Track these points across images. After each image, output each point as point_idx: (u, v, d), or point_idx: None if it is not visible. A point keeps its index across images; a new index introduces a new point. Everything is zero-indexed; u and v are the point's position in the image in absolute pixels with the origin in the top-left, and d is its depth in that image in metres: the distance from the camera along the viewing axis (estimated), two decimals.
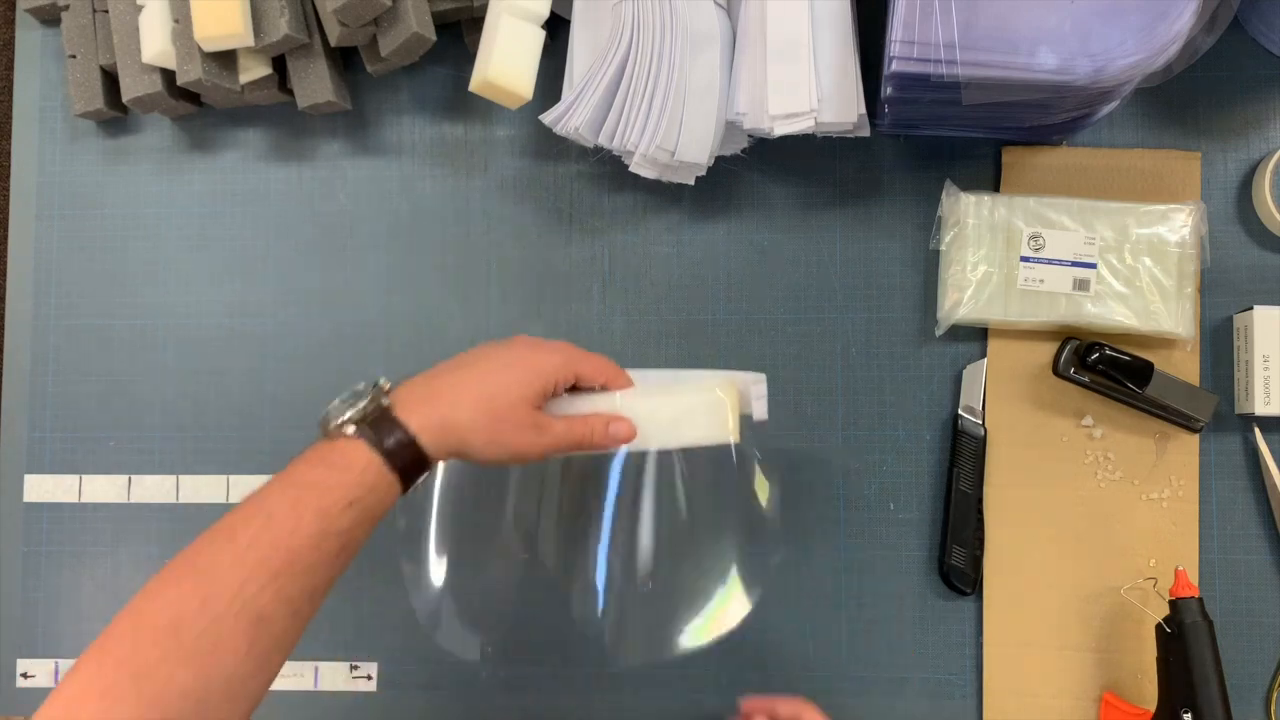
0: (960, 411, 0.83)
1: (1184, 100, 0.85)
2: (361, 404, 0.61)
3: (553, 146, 0.88)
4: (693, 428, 0.70)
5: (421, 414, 0.61)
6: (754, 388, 0.73)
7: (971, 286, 0.82)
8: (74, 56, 0.87)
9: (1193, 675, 0.74)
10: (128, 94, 0.85)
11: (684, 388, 0.71)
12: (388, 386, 0.63)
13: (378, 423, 0.60)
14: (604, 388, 0.70)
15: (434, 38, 0.81)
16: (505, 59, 0.78)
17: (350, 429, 0.60)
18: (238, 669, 0.54)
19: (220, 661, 0.54)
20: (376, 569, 0.87)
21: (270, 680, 0.57)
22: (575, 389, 0.69)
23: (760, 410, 0.73)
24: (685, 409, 0.70)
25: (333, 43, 0.82)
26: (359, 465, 0.59)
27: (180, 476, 0.88)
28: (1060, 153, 0.85)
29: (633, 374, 0.71)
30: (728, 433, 0.71)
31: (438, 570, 0.74)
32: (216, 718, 0.54)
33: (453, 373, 0.64)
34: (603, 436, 0.67)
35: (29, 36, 0.92)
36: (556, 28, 0.84)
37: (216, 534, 0.57)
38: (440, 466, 0.70)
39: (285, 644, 0.57)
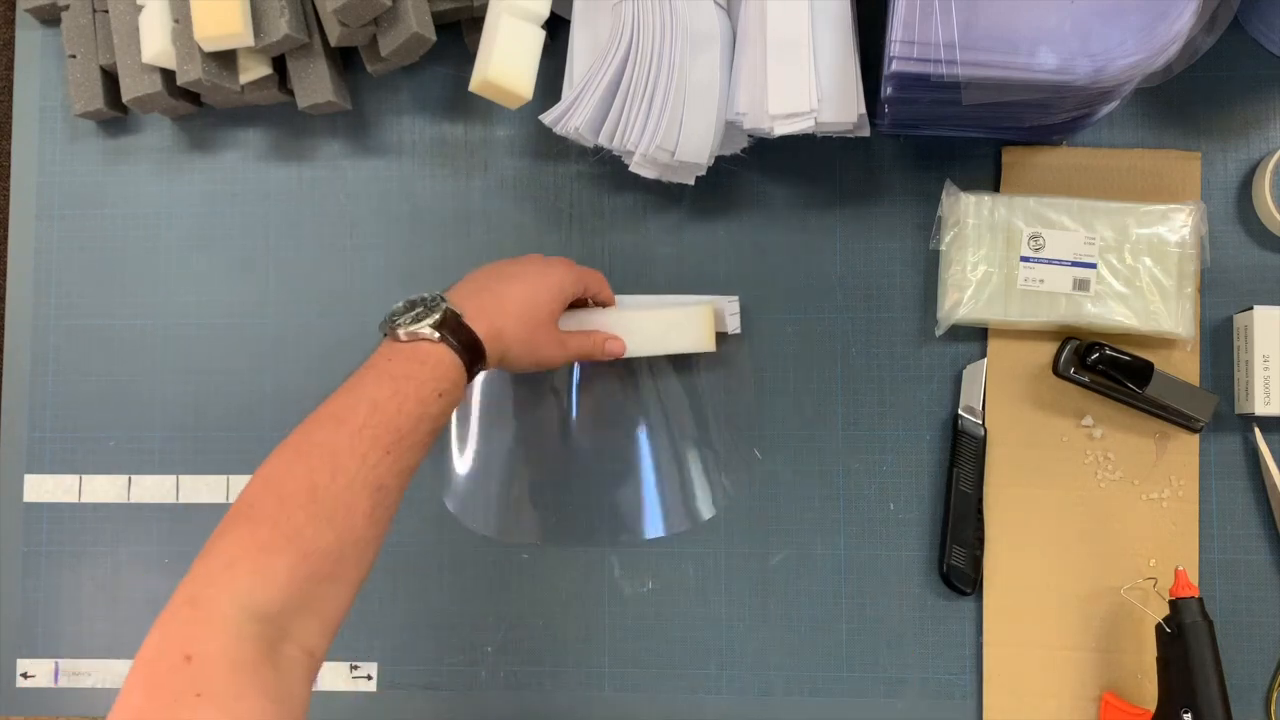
0: (960, 411, 0.83)
1: (1184, 100, 0.85)
2: (438, 313, 0.68)
3: (553, 146, 0.88)
4: (678, 338, 0.82)
5: (484, 323, 0.71)
6: (728, 306, 0.84)
7: (971, 286, 0.82)
8: (74, 56, 0.87)
9: (1193, 675, 0.74)
10: (128, 94, 0.85)
11: (669, 306, 0.84)
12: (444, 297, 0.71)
13: (455, 329, 0.69)
14: (594, 301, 0.82)
15: (434, 38, 0.81)
16: (505, 59, 0.78)
17: (431, 332, 0.68)
18: (364, 531, 0.62)
19: (352, 524, 0.61)
20: (376, 569, 0.87)
21: (380, 545, 0.64)
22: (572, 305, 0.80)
23: (734, 325, 0.85)
24: (671, 323, 0.82)
25: (333, 43, 0.82)
26: (446, 362, 0.68)
27: (180, 476, 0.88)
28: (1060, 153, 0.85)
29: (622, 299, 0.84)
30: (707, 343, 0.82)
31: (466, 467, 0.88)
32: (346, 575, 0.61)
33: (497, 287, 0.74)
34: (602, 351, 0.80)
35: (29, 36, 0.92)
36: (556, 28, 0.84)
37: (324, 420, 0.65)
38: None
39: (392, 513, 0.65)
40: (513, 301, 0.73)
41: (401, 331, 0.68)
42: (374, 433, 0.63)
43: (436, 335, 0.68)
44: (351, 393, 0.65)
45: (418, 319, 0.68)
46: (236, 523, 0.60)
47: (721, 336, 0.84)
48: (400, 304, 0.70)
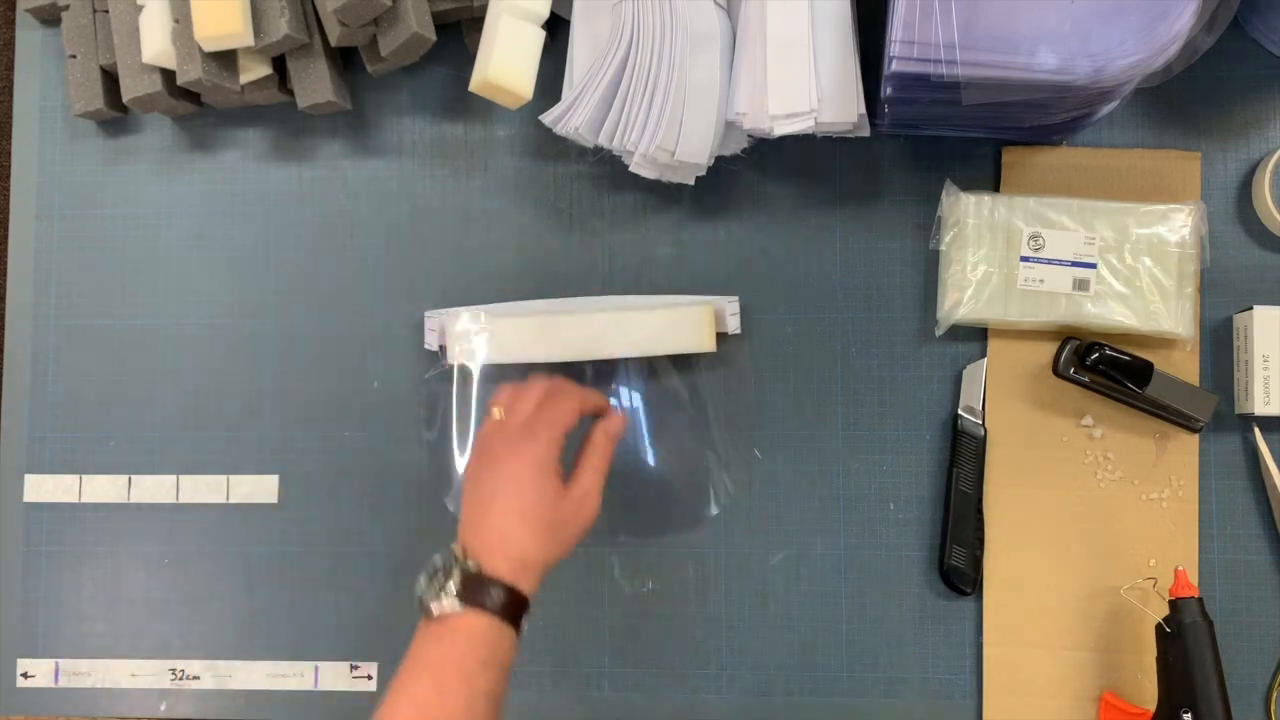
0: (960, 411, 0.83)
1: (1184, 100, 0.85)
2: (454, 578, 0.64)
3: (553, 146, 0.88)
4: (678, 338, 0.83)
5: (506, 564, 0.65)
6: (728, 306, 0.85)
7: (971, 286, 0.82)
8: (74, 56, 0.87)
9: (1193, 675, 0.74)
10: (128, 94, 0.85)
11: (669, 305, 0.84)
12: (462, 551, 0.66)
13: (478, 589, 0.64)
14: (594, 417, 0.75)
15: (434, 38, 0.81)
16: (505, 59, 0.78)
17: (457, 606, 0.63)
18: None
19: None
20: (376, 570, 0.87)
21: None
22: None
23: (734, 325, 0.85)
24: (671, 323, 0.83)
25: (333, 43, 0.82)
26: (479, 631, 0.63)
27: (180, 476, 0.88)
28: (1060, 153, 0.85)
29: (618, 300, 0.85)
30: (707, 343, 0.83)
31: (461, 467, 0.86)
32: None
33: (495, 513, 0.67)
34: (610, 443, 0.73)
35: (29, 36, 0.92)
36: (556, 28, 0.84)
37: None
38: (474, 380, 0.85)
39: None
40: (512, 517, 0.67)
41: (433, 608, 0.64)
42: None
43: (461, 607, 0.63)
44: (393, 695, 0.62)
45: (440, 591, 0.64)
46: None
47: (721, 336, 0.84)
48: (422, 576, 0.65)
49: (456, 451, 0.86)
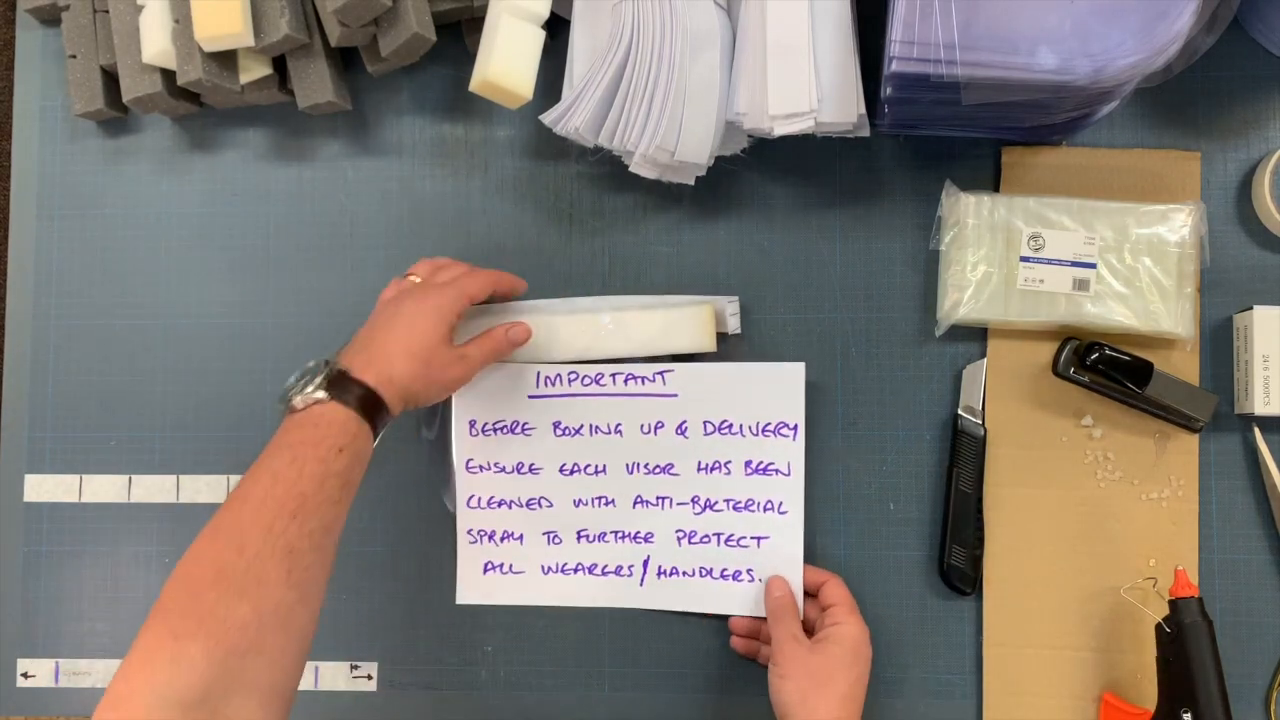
0: (960, 411, 0.83)
1: (1184, 100, 0.85)
2: (321, 375, 0.70)
3: (553, 146, 0.88)
4: (678, 338, 0.83)
5: (372, 373, 0.71)
6: (728, 306, 0.85)
7: (971, 286, 0.82)
8: (74, 56, 0.87)
9: (1193, 675, 0.74)
10: (128, 94, 0.85)
11: (669, 305, 0.84)
12: (335, 358, 0.72)
13: (343, 386, 0.70)
14: (505, 296, 0.83)
15: (434, 38, 0.81)
16: (505, 59, 0.78)
17: (322, 394, 0.69)
18: (282, 596, 0.62)
19: (267, 592, 0.62)
20: (376, 570, 0.87)
21: (313, 615, 0.65)
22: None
23: (734, 325, 0.85)
24: (671, 323, 0.83)
25: (333, 43, 0.82)
26: (339, 420, 0.69)
27: (180, 476, 0.89)
28: (1060, 153, 0.85)
29: (618, 300, 0.85)
30: (707, 343, 0.83)
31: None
32: (272, 645, 0.62)
33: (381, 332, 0.74)
34: (507, 342, 0.81)
35: (29, 36, 0.92)
36: (556, 28, 0.84)
37: (230, 503, 0.66)
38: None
39: (316, 575, 0.65)
40: (396, 343, 0.73)
41: (297, 400, 0.69)
42: (276, 502, 0.64)
43: (326, 396, 0.69)
44: (253, 470, 0.67)
45: (306, 386, 0.70)
46: (152, 618, 0.61)
47: (721, 336, 0.84)
48: (292, 377, 0.71)
49: (455, 450, 0.86)
